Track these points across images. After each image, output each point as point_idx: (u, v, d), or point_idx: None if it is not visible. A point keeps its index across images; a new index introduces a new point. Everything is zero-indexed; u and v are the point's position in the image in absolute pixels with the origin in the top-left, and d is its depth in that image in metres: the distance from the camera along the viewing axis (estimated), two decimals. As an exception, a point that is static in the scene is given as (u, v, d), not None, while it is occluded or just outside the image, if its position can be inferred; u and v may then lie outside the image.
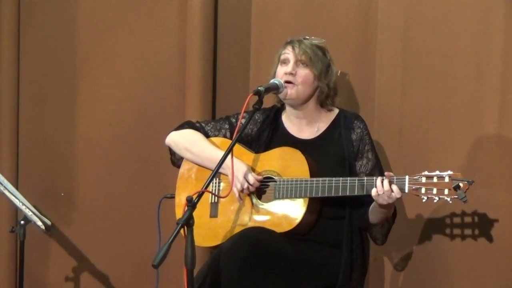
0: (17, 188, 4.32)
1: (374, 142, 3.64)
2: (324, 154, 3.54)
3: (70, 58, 4.58)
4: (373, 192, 3.30)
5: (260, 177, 3.50)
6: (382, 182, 3.29)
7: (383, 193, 3.28)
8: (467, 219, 3.70)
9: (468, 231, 3.71)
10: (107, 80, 4.53)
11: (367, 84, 3.94)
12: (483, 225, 3.67)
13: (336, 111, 3.65)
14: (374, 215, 3.44)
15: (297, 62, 3.56)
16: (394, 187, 3.28)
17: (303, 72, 3.55)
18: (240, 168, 3.47)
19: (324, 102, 3.61)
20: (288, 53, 3.58)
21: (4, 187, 4.14)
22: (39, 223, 4.14)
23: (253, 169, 3.54)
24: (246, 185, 3.48)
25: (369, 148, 3.57)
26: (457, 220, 3.72)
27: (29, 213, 4.12)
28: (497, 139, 3.69)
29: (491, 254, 3.69)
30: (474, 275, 3.72)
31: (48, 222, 4.19)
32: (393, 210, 3.44)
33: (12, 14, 4.64)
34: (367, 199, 3.37)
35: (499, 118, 3.69)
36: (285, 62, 3.58)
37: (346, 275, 3.44)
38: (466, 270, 3.74)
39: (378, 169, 3.54)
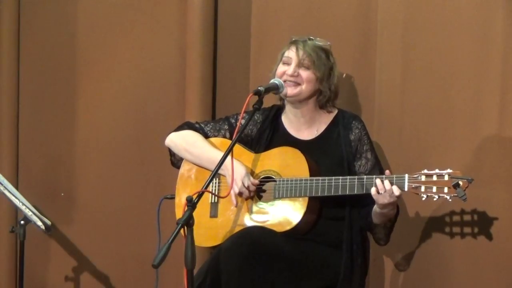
0: (17, 188, 4.32)
1: (373, 142, 3.64)
2: (323, 155, 3.54)
3: (70, 58, 4.58)
4: (373, 191, 3.30)
5: (257, 182, 3.50)
6: (382, 181, 3.29)
7: (385, 192, 3.28)
8: (467, 219, 3.70)
9: (468, 231, 3.71)
10: (107, 80, 4.53)
11: (367, 84, 3.94)
12: (483, 225, 3.67)
13: (335, 111, 3.65)
14: (377, 216, 3.44)
15: (300, 64, 3.56)
16: (394, 186, 3.28)
17: (305, 74, 3.55)
18: (238, 171, 3.47)
19: (325, 104, 3.61)
20: (291, 54, 3.58)
21: (4, 187, 4.14)
22: (39, 223, 4.14)
23: (252, 169, 3.54)
24: (244, 190, 3.48)
25: (368, 148, 3.57)
26: (457, 220, 3.72)
27: (29, 213, 4.12)
28: (497, 139, 3.69)
29: (491, 254, 3.68)
30: (474, 275, 3.72)
31: (48, 222, 4.19)
32: (396, 210, 3.44)
33: (12, 14, 4.64)
34: (368, 200, 3.36)
35: (499, 118, 3.68)
36: (287, 62, 3.58)
37: (346, 275, 3.44)
38: (466, 270, 3.74)
39: (377, 169, 3.54)
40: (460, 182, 3.22)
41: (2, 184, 4.14)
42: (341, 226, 3.48)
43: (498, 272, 3.68)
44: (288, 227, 3.42)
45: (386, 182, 3.29)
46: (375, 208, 3.38)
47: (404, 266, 3.87)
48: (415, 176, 3.29)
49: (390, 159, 3.82)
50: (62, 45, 4.60)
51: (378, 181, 3.29)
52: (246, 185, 3.48)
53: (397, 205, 3.43)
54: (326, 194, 3.39)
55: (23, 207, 4.13)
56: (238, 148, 3.53)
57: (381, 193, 3.29)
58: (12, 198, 4.14)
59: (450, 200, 3.26)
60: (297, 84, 3.55)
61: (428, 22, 3.82)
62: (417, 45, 3.84)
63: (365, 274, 3.57)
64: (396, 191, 3.28)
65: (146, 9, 4.45)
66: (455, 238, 3.73)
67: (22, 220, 4.17)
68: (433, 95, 3.81)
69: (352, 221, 3.49)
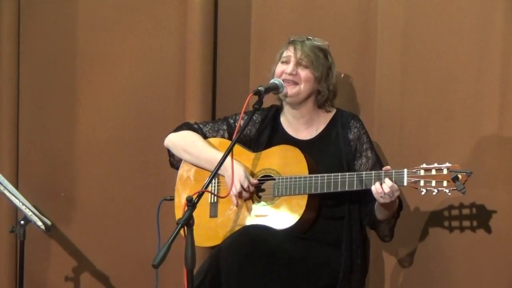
0: (17, 188, 4.32)
1: (373, 142, 3.64)
2: (323, 155, 3.54)
3: (70, 58, 4.59)
4: (373, 190, 3.30)
5: (256, 182, 3.51)
6: (381, 184, 3.29)
7: (385, 194, 3.28)
8: (467, 219, 3.70)
9: (468, 231, 3.71)
10: (107, 80, 4.53)
11: (367, 84, 3.94)
12: (483, 225, 3.67)
13: (334, 111, 3.65)
14: (380, 211, 3.43)
15: (298, 63, 3.56)
16: (393, 185, 3.28)
17: (304, 73, 3.56)
18: (237, 172, 3.47)
19: (323, 104, 3.62)
20: (290, 53, 3.58)
21: (4, 187, 4.14)
22: (39, 223, 4.14)
23: (252, 168, 3.54)
24: (243, 191, 3.47)
25: (368, 147, 3.57)
26: (457, 219, 3.72)
27: (29, 213, 4.12)
28: (497, 139, 3.69)
29: (492, 253, 3.68)
30: (474, 274, 3.72)
31: (48, 222, 4.20)
32: (397, 204, 3.43)
33: (12, 14, 4.64)
34: (369, 197, 3.36)
35: (499, 118, 3.69)
36: (286, 61, 3.59)
37: (346, 275, 3.44)
38: (466, 270, 3.73)
39: (378, 167, 3.52)
40: (459, 176, 3.22)
41: (2, 184, 4.14)
42: (340, 226, 3.48)
43: (498, 270, 3.68)
44: (287, 225, 3.42)
45: (385, 186, 3.28)
46: (378, 204, 3.38)
47: (405, 264, 3.87)
48: (414, 170, 3.29)
49: (390, 159, 3.82)
50: (62, 45, 4.61)
51: (377, 185, 3.29)
52: (245, 186, 3.48)
53: (400, 200, 3.43)
54: (325, 191, 3.39)
55: (23, 207, 4.13)
56: (237, 147, 3.53)
57: (382, 196, 3.29)
58: (12, 198, 4.14)
59: (449, 194, 3.26)
60: (296, 83, 3.55)
61: (428, 22, 3.82)
62: (417, 45, 3.84)
63: (365, 274, 3.58)
64: (396, 190, 3.28)
65: (146, 9, 4.45)
66: (456, 238, 3.73)
67: (22, 220, 4.17)
68: (433, 95, 3.81)
69: (352, 221, 3.49)
